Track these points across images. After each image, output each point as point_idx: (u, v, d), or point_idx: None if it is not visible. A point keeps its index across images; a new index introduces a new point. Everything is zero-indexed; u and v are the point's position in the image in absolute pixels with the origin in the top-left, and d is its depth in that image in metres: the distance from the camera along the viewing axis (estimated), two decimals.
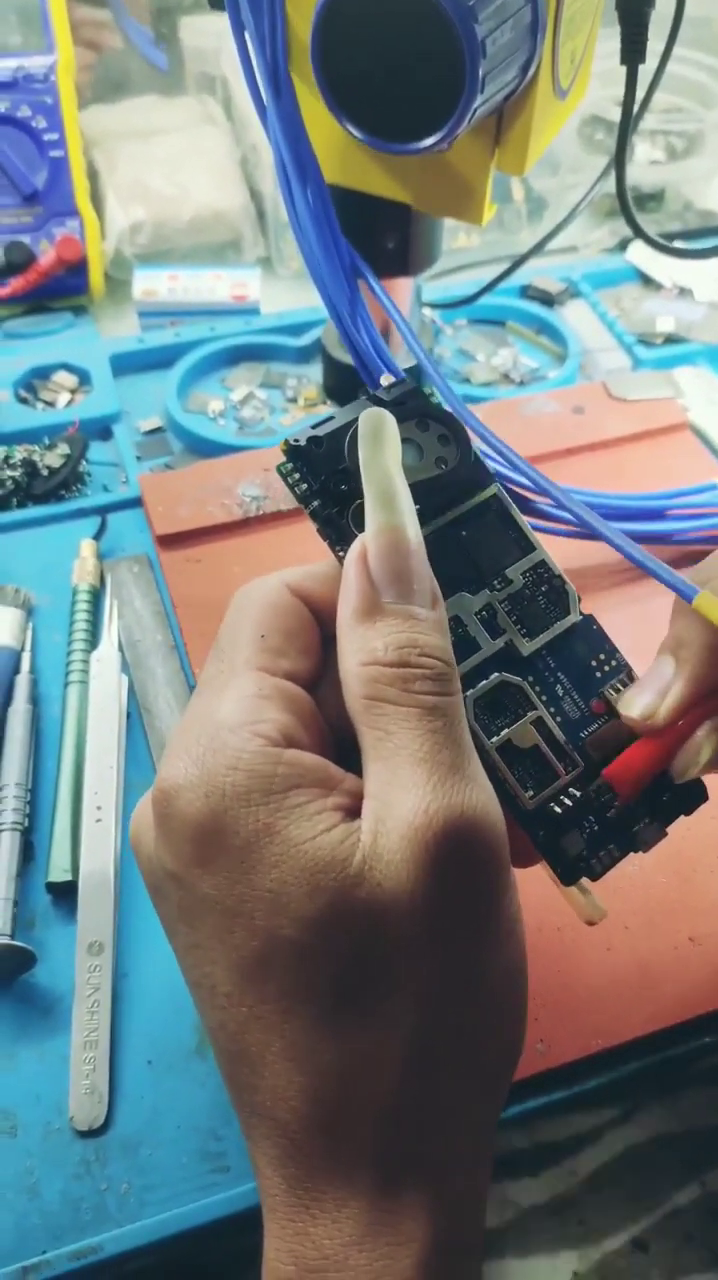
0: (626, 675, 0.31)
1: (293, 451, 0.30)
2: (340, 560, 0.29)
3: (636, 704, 0.30)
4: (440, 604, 0.28)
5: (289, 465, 0.30)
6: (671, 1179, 0.67)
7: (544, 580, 0.31)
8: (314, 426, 0.30)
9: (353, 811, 0.26)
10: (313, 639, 0.30)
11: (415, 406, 0.31)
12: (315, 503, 0.30)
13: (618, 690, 0.31)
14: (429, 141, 0.39)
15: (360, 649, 0.27)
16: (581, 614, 0.31)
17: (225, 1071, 0.28)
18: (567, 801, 0.30)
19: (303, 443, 0.30)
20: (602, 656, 0.31)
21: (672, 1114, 0.69)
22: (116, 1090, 0.37)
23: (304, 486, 0.30)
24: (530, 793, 0.29)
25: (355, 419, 0.29)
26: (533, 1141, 0.67)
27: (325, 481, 0.30)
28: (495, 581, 0.31)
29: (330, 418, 0.30)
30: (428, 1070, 0.26)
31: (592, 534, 0.35)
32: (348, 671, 0.27)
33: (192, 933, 0.27)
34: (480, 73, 0.37)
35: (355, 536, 0.28)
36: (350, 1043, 0.25)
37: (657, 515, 0.53)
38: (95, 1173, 0.36)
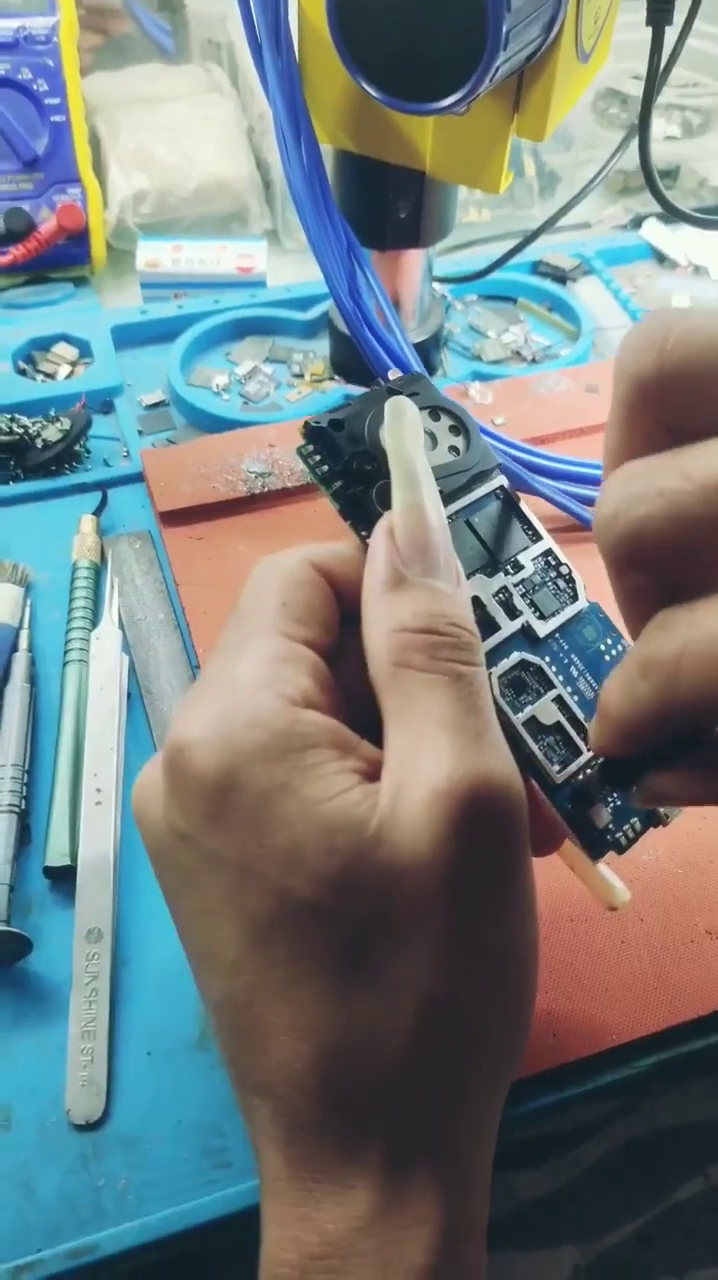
0: None
1: (314, 433, 0.30)
2: (363, 540, 0.30)
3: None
4: (464, 581, 0.29)
5: (310, 447, 0.30)
6: (674, 1172, 0.67)
7: (553, 568, 0.32)
8: (331, 412, 0.31)
9: (370, 776, 0.26)
10: (332, 614, 0.30)
11: (426, 397, 0.32)
12: (338, 483, 0.30)
13: None
14: (449, 101, 0.38)
15: (388, 617, 0.27)
16: (588, 601, 0.32)
17: (227, 1051, 0.27)
18: (593, 774, 0.30)
19: (324, 424, 0.30)
20: (608, 641, 0.32)
21: (676, 1107, 0.68)
22: (115, 1083, 0.36)
23: (326, 468, 0.30)
24: (557, 767, 0.30)
25: (372, 406, 0.30)
26: (536, 1132, 0.66)
27: (349, 461, 0.30)
28: (508, 566, 0.32)
29: (344, 405, 0.31)
30: (440, 1040, 0.25)
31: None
32: (374, 639, 0.27)
33: (199, 897, 0.26)
34: (504, 28, 0.35)
35: (379, 516, 0.29)
36: (361, 1009, 0.24)
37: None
38: (93, 1168, 0.34)
